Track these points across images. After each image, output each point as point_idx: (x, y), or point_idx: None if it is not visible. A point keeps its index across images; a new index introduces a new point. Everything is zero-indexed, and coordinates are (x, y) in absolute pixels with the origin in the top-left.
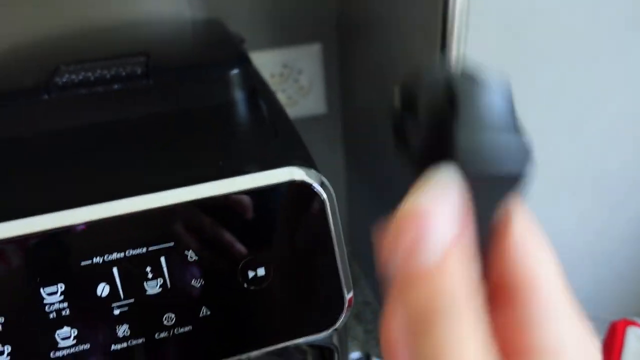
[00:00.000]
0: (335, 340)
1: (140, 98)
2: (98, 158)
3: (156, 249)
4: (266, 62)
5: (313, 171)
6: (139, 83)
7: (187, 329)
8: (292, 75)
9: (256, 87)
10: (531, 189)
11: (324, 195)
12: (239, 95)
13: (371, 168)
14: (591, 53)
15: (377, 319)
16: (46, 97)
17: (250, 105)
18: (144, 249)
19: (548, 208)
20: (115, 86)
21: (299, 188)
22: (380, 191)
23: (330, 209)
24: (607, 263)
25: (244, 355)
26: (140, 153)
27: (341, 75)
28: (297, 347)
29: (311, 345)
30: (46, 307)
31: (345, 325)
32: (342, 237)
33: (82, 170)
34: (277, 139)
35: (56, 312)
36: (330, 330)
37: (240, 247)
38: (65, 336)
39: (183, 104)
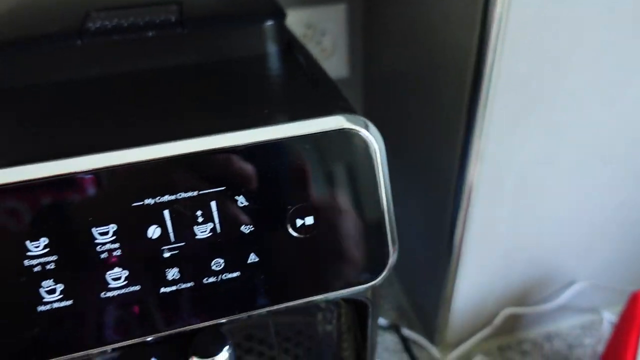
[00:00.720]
0: (369, 295)
1: (175, 46)
2: (141, 104)
3: (207, 193)
4: (289, 22)
5: (364, 119)
6: (173, 31)
7: (234, 275)
8: (315, 37)
9: (291, 40)
10: (563, 155)
11: (375, 145)
12: (274, 47)
13: (392, 135)
14: (633, 19)
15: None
16: (79, 42)
17: (286, 57)
18: (196, 192)
19: (579, 175)
20: (149, 33)
21: (350, 136)
22: (401, 157)
23: (380, 159)
24: (632, 232)
25: (273, 308)
26: (184, 100)
27: (365, 38)
28: (332, 300)
29: (345, 299)
30: (97, 247)
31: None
32: (390, 188)
33: (127, 114)
34: (318, 90)
35: (107, 253)
36: (374, 282)
37: (290, 195)
38: (116, 277)
39: (217, 54)
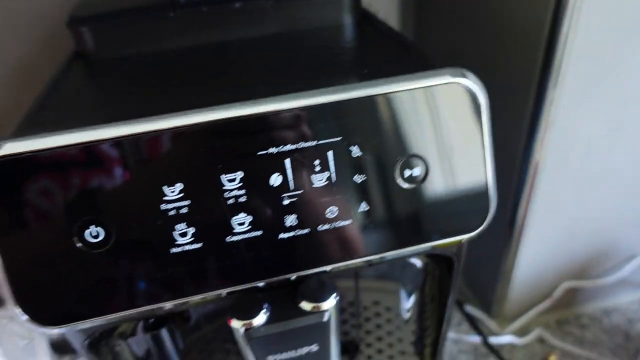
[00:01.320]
0: (455, 250)
1: (261, 17)
2: (248, 67)
3: (325, 143)
4: None
5: (472, 75)
6: (259, 2)
7: (346, 222)
8: None
9: (364, 11)
10: (631, 126)
11: (481, 99)
12: (351, 17)
13: None
14: None
15: None
16: (172, 14)
17: (364, 26)
18: (314, 142)
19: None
20: (237, 5)
21: (458, 90)
22: None
23: (486, 112)
24: None
25: (378, 256)
26: (284, 64)
27: (417, 16)
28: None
29: (433, 256)
30: (225, 194)
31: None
32: (492, 142)
33: (239, 76)
34: (409, 53)
35: (234, 199)
36: (473, 234)
37: (400, 146)
38: (241, 222)
39: (300, 24)
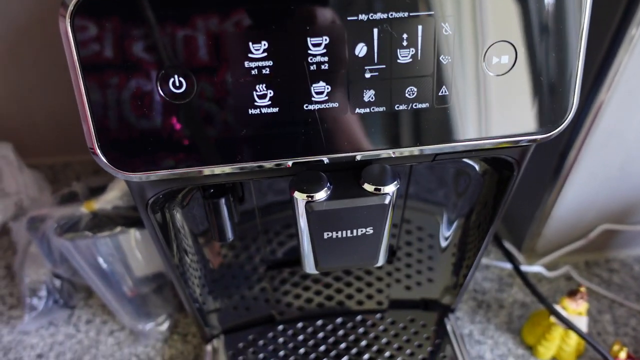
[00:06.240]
0: (518, 156)
1: None
2: None
3: (417, 16)
4: None
5: None
6: None
7: (424, 105)
8: None
9: None
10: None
11: None
12: None
13: None
14: None
15: None
16: None
17: None
18: (406, 14)
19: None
20: None
21: None
22: None
23: (588, 3)
24: None
25: (448, 146)
26: None
27: None
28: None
29: (491, 159)
30: (309, 58)
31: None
32: (585, 39)
33: None
34: None
35: (316, 65)
36: (552, 133)
37: (492, 30)
38: (320, 91)
39: None
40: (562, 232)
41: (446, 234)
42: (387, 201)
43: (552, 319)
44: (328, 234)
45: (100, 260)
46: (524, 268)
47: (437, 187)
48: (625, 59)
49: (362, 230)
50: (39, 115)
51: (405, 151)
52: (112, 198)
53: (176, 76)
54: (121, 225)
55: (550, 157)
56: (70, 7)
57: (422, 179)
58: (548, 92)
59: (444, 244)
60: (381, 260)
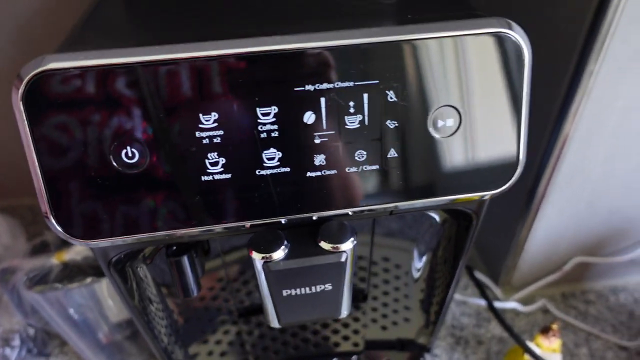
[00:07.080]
0: (476, 207)
1: None
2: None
3: (362, 85)
4: None
5: (518, 27)
6: None
7: (374, 167)
8: None
9: None
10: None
11: (525, 52)
12: None
13: None
14: None
15: None
16: None
17: None
18: (352, 83)
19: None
20: None
21: (503, 40)
22: None
23: (528, 66)
24: None
25: (401, 204)
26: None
27: None
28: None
29: (451, 210)
30: (259, 127)
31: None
32: (530, 97)
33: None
34: (456, 4)
35: (267, 133)
36: (499, 190)
37: (436, 95)
38: (271, 157)
39: None
40: (537, 265)
41: (415, 275)
42: (343, 259)
43: (527, 357)
44: (287, 292)
45: (71, 311)
46: (500, 304)
47: (401, 233)
48: (585, 98)
49: (320, 287)
50: (18, 154)
51: (359, 210)
52: (82, 249)
53: (129, 147)
54: (92, 275)
55: (521, 192)
56: (24, 82)
57: (386, 226)
58: (494, 151)
59: (414, 282)
60: (344, 312)
